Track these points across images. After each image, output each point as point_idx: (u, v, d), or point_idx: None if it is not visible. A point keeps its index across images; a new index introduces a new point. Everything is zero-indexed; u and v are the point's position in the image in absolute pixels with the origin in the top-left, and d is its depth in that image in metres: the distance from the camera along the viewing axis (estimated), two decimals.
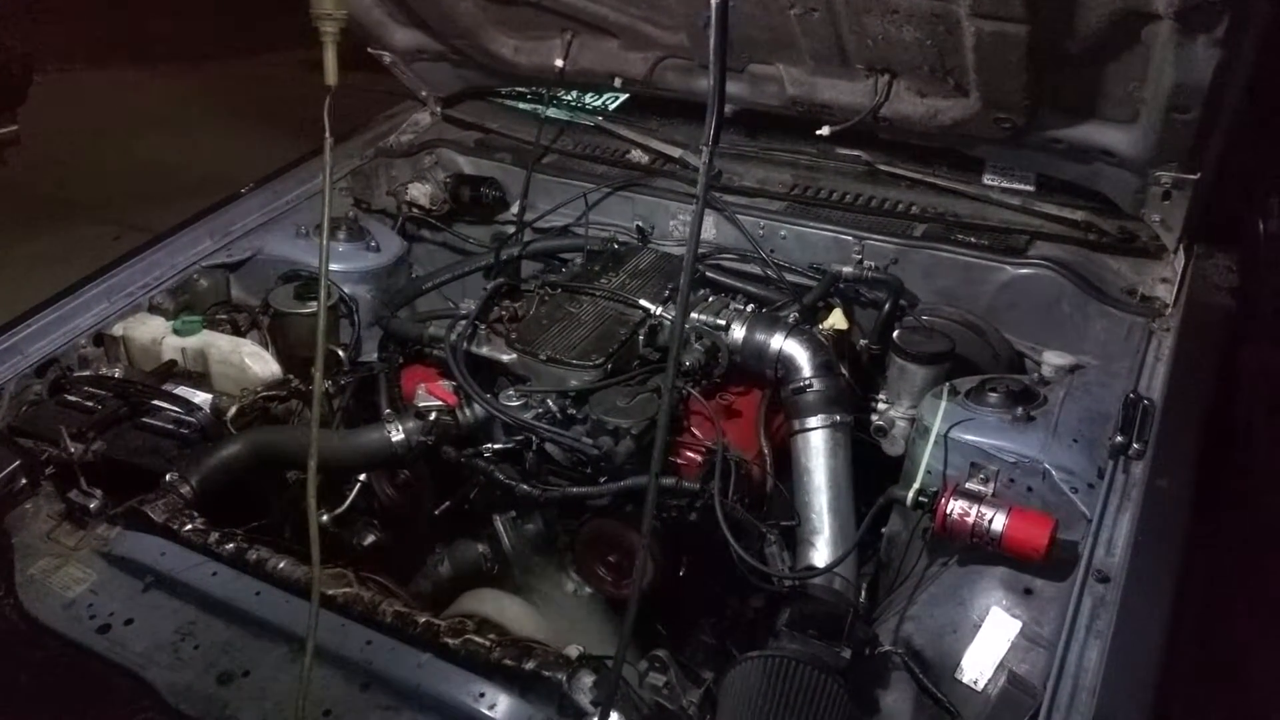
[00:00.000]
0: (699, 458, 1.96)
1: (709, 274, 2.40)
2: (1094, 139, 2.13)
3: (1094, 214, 2.35)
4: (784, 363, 2.06)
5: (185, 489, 1.89)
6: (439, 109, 3.15)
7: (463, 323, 2.22)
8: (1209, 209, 2.17)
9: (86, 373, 2.24)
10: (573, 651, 1.58)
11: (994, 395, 1.90)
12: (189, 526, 1.81)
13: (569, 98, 3.04)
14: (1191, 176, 2.05)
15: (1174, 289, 2.19)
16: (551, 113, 2.94)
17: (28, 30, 5.45)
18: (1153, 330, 2.12)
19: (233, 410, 2.14)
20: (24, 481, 1.89)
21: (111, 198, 5.91)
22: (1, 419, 2.09)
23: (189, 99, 7.48)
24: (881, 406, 2.17)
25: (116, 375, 2.24)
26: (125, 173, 6.25)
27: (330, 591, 1.67)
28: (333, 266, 2.50)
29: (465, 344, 2.18)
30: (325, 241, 1.65)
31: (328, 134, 1.55)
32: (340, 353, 2.43)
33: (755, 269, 2.47)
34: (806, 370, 2.03)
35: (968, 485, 1.77)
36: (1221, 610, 1.92)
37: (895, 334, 2.18)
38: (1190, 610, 1.59)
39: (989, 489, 1.77)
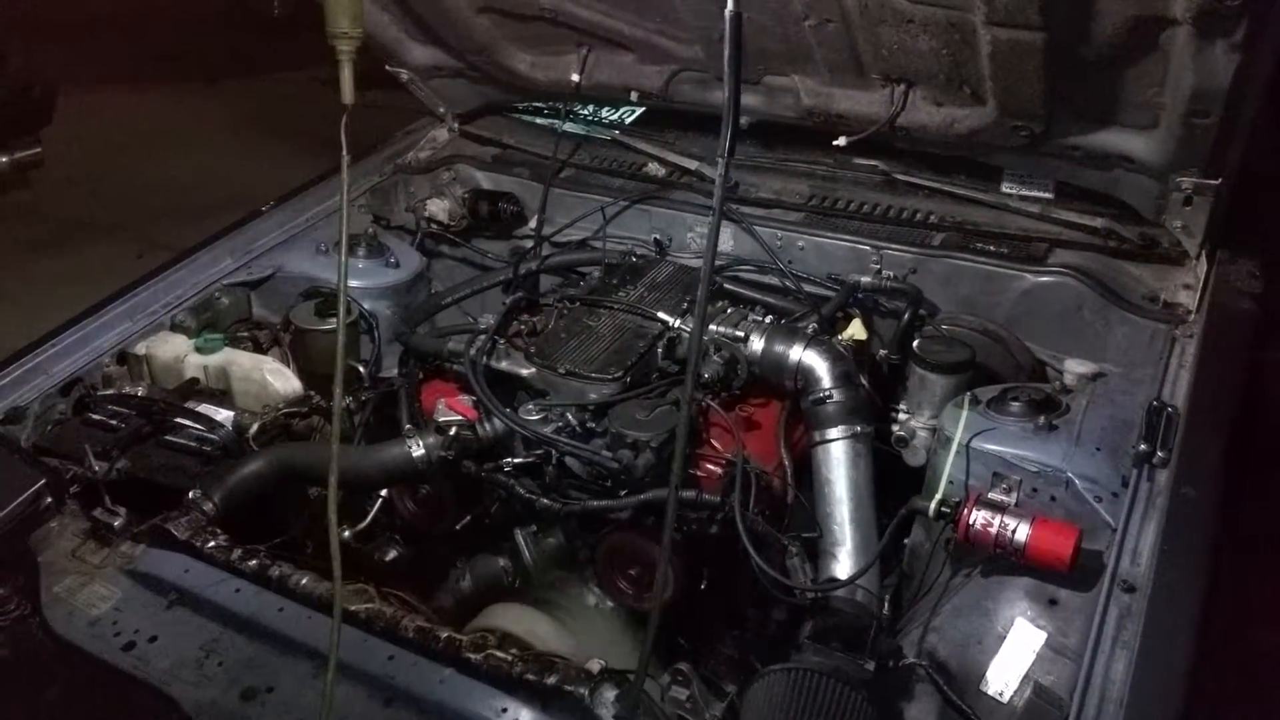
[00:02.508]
0: (719, 470, 1.95)
1: (727, 286, 2.40)
2: (1113, 145, 2.12)
3: (1114, 221, 2.33)
4: (803, 374, 2.05)
5: (208, 506, 1.90)
6: (457, 125, 3.17)
7: (482, 337, 2.23)
8: (1231, 213, 2.15)
9: (110, 391, 2.26)
10: (595, 665, 1.57)
11: (1016, 404, 1.89)
12: (212, 543, 1.82)
13: (586, 112, 3.05)
14: (1213, 181, 2.04)
15: (1197, 295, 2.18)
16: (568, 127, 2.95)
17: (50, 52, 5.52)
18: (1175, 337, 2.10)
19: (254, 427, 2.15)
20: (49, 500, 1.91)
21: (134, 217, 5.97)
22: (27, 438, 2.11)
23: (210, 118, 7.56)
24: (902, 417, 2.16)
25: (140, 394, 2.25)
26: (148, 192, 6.32)
27: (352, 607, 1.67)
28: (353, 283, 2.53)
29: (485, 359, 2.19)
30: (344, 258, 1.66)
31: (344, 152, 1.56)
32: (361, 369, 2.44)
33: (774, 280, 2.47)
34: (826, 381, 2.02)
35: (990, 495, 1.76)
36: (1250, 620, 1.89)
37: (915, 344, 2.17)
38: (1218, 620, 1.58)
39: (1012, 499, 1.76)
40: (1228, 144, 1.94)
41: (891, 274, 2.38)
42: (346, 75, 1.59)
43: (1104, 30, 1.82)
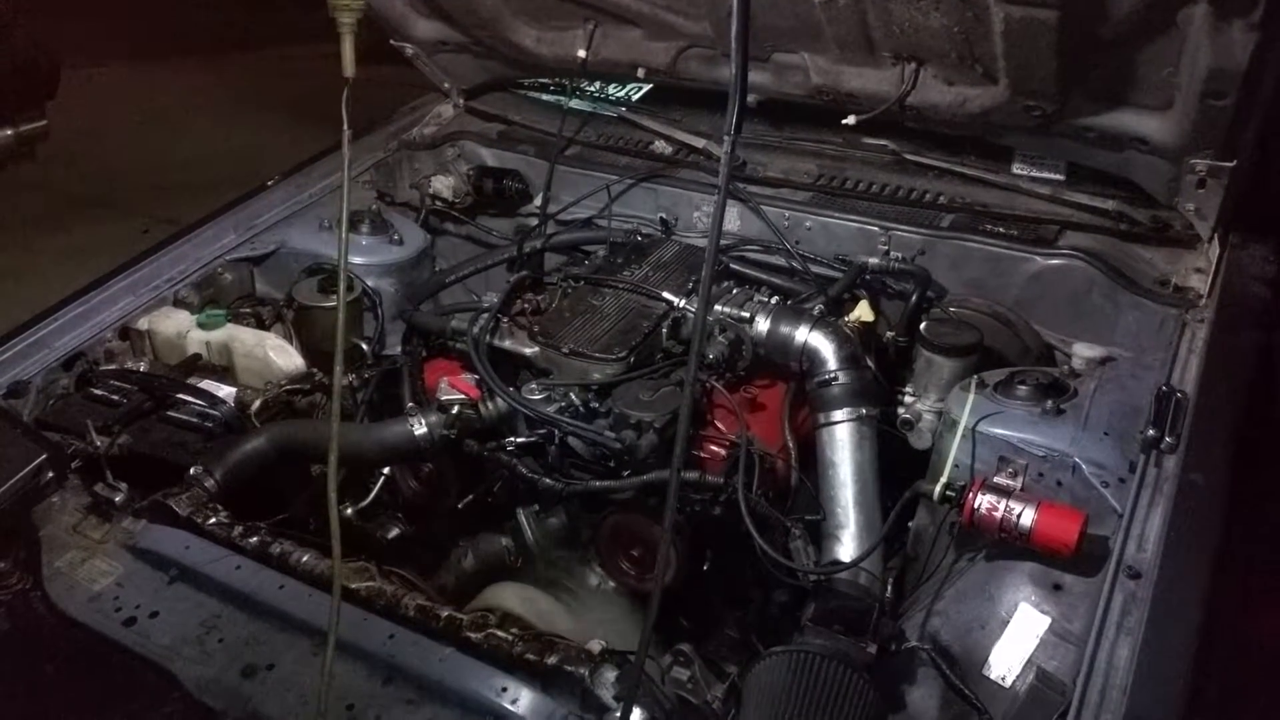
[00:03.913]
0: (723, 451, 1.94)
1: (733, 266, 2.38)
2: (1126, 126, 2.09)
3: (1126, 203, 2.30)
4: (809, 355, 2.03)
5: (209, 482, 1.90)
6: (462, 101, 3.15)
7: (485, 316, 2.22)
8: (1245, 196, 2.13)
9: (112, 366, 2.26)
10: (595, 646, 1.57)
11: (1023, 388, 1.88)
12: (213, 520, 1.82)
13: (592, 89, 3.03)
14: (1227, 164, 2.01)
15: (1208, 279, 2.15)
16: (574, 104, 2.92)
17: (55, 26, 5.49)
18: (1186, 321, 2.08)
19: (256, 404, 2.15)
20: (51, 475, 1.90)
21: (138, 192, 5.97)
22: (29, 413, 2.11)
23: (214, 92, 7.54)
24: (908, 399, 2.15)
25: (142, 369, 2.26)
26: (152, 167, 6.30)
27: (353, 585, 1.67)
28: (356, 260, 2.51)
29: (488, 337, 2.18)
30: (344, 234, 1.65)
31: (346, 126, 1.54)
32: (364, 346, 2.43)
33: (780, 260, 2.45)
34: (832, 363, 2.00)
35: (996, 479, 1.74)
36: (1256, 607, 1.88)
37: (922, 326, 2.15)
38: (1223, 607, 1.56)
39: (1018, 483, 1.75)
40: (1243, 126, 1.91)
41: (899, 255, 2.35)
42: (348, 48, 1.58)
43: (1119, 8, 1.79)
